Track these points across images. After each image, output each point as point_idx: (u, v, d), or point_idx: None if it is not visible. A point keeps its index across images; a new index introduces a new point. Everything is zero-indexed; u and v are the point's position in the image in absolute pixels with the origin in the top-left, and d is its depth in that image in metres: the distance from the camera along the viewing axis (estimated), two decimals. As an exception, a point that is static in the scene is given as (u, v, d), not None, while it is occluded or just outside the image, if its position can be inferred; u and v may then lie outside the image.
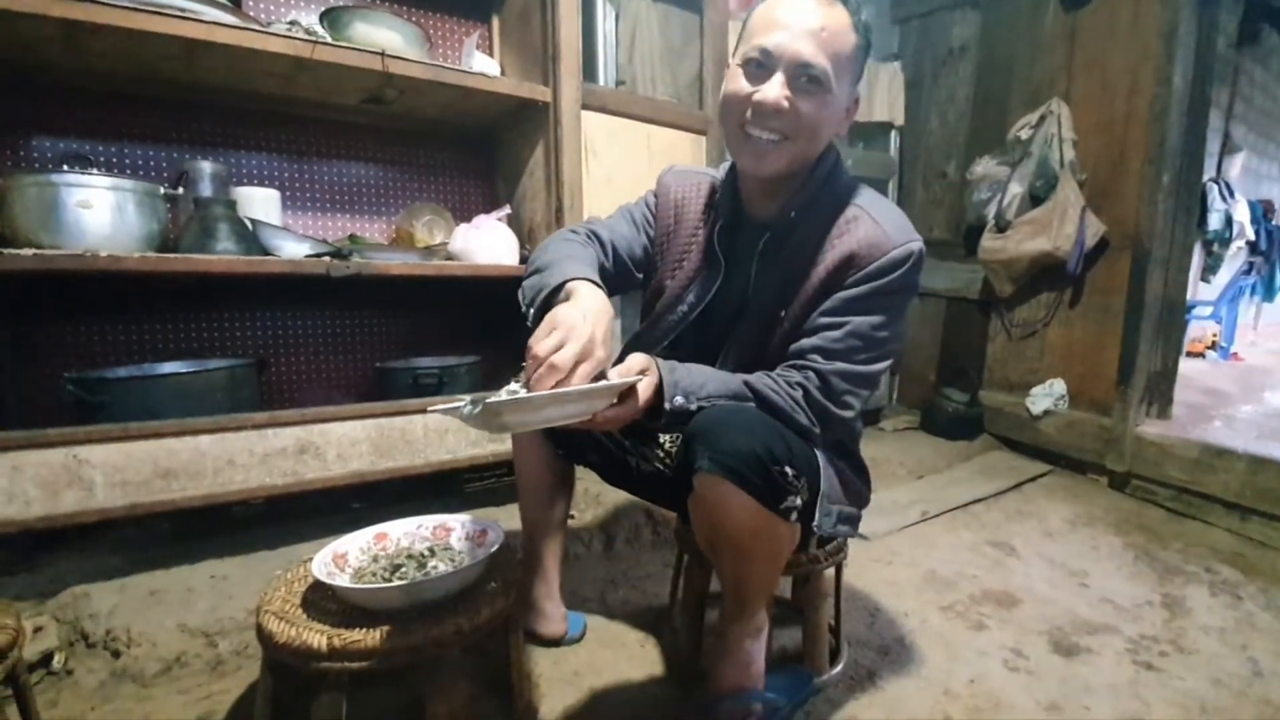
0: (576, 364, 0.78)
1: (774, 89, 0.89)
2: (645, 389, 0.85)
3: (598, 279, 0.93)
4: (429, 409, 0.78)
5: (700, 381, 0.89)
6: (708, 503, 0.87)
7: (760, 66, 0.91)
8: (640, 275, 1.15)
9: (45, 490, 1.25)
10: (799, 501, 0.90)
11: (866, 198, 0.99)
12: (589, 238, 1.09)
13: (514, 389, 0.81)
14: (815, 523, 0.95)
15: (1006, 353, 2.76)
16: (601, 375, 0.83)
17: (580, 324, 0.80)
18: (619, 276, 1.12)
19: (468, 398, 0.75)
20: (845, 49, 0.91)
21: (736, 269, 1.04)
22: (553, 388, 0.76)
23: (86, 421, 1.32)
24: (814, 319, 0.95)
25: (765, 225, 1.01)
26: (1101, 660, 1.30)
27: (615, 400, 0.83)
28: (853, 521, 1.06)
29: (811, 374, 0.92)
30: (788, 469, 0.86)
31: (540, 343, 0.78)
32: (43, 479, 1.24)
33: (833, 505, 1.00)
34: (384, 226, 2.03)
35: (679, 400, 0.86)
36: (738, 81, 0.93)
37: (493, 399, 0.72)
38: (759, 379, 0.93)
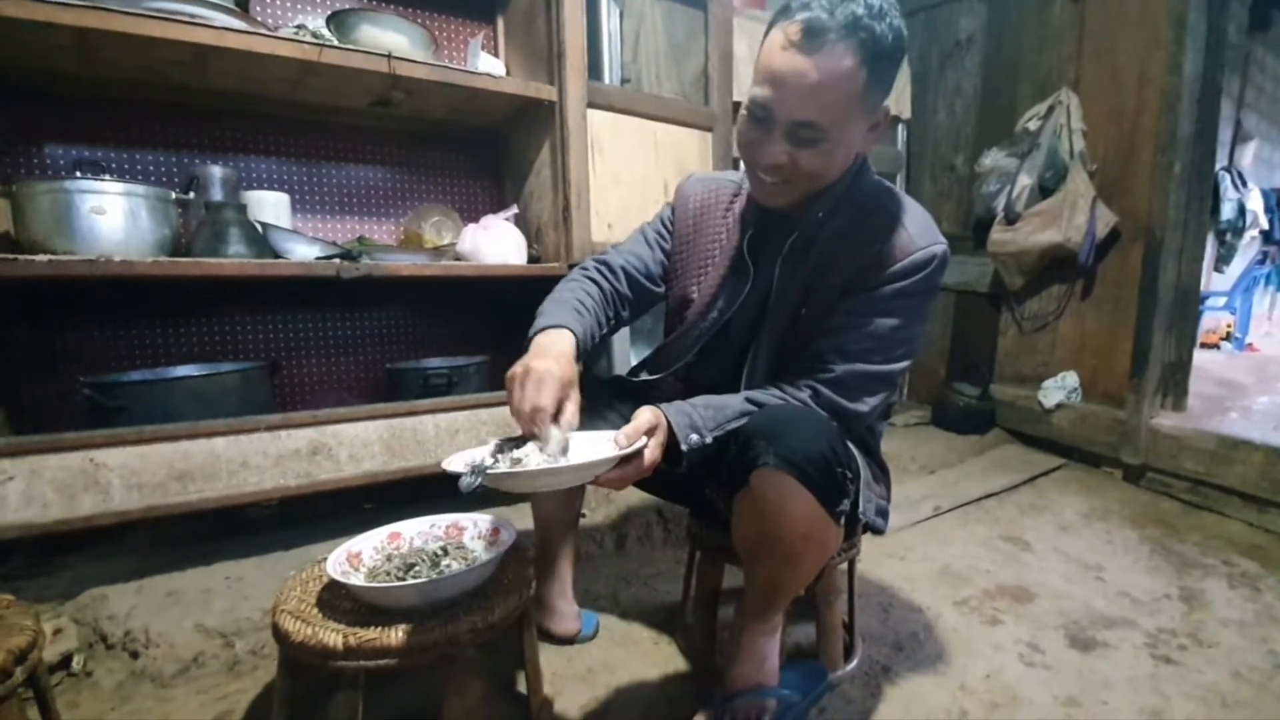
0: (532, 407, 0.81)
1: (772, 150, 0.89)
2: (652, 451, 0.83)
3: (570, 322, 0.95)
4: (442, 466, 0.82)
5: (710, 414, 0.89)
6: (767, 500, 0.85)
7: (761, 119, 0.88)
8: (660, 289, 1.16)
9: (63, 494, 1.26)
10: (848, 505, 0.91)
11: (894, 200, 0.99)
12: (598, 270, 1.11)
13: (514, 450, 0.84)
14: (860, 510, 0.97)
15: (1018, 346, 2.74)
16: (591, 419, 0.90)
17: (530, 367, 0.83)
18: (638, 297, 1.13)
19: (469, 463, 0.80)
20: (849, 95, 0.83)
21: (762, 271, 1.03)
22: (535, 428, 0.81)
23: (102, 425, 1.34)
24: (834, 319, 0.95)
25: (793, 225, 1.00)
26: (1119, 654, 1.29)
27: (616, 464, 0.82)
28: (884, 514, 1.07)
29: (823, 373, 0.93)
30: (847, 471, 0.88)
31: (510, 401, 0.84)
32: (60, 482, 1.26)
33: (871, 494, 1.02)
34: (392, 228, 2.04)
35: (694, 438, 0.86)
36: (744, 125, 0.92)
37: (493, 470, 0.77)
38: (764, 395, 0.93)
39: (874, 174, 1.02)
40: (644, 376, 1.17)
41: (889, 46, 0.83)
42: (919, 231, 0.94)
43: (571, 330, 0.94)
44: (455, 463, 0.82)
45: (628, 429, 0.83)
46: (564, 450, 0.83)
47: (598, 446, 0.85)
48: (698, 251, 1.12)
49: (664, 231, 1.16)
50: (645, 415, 0.86)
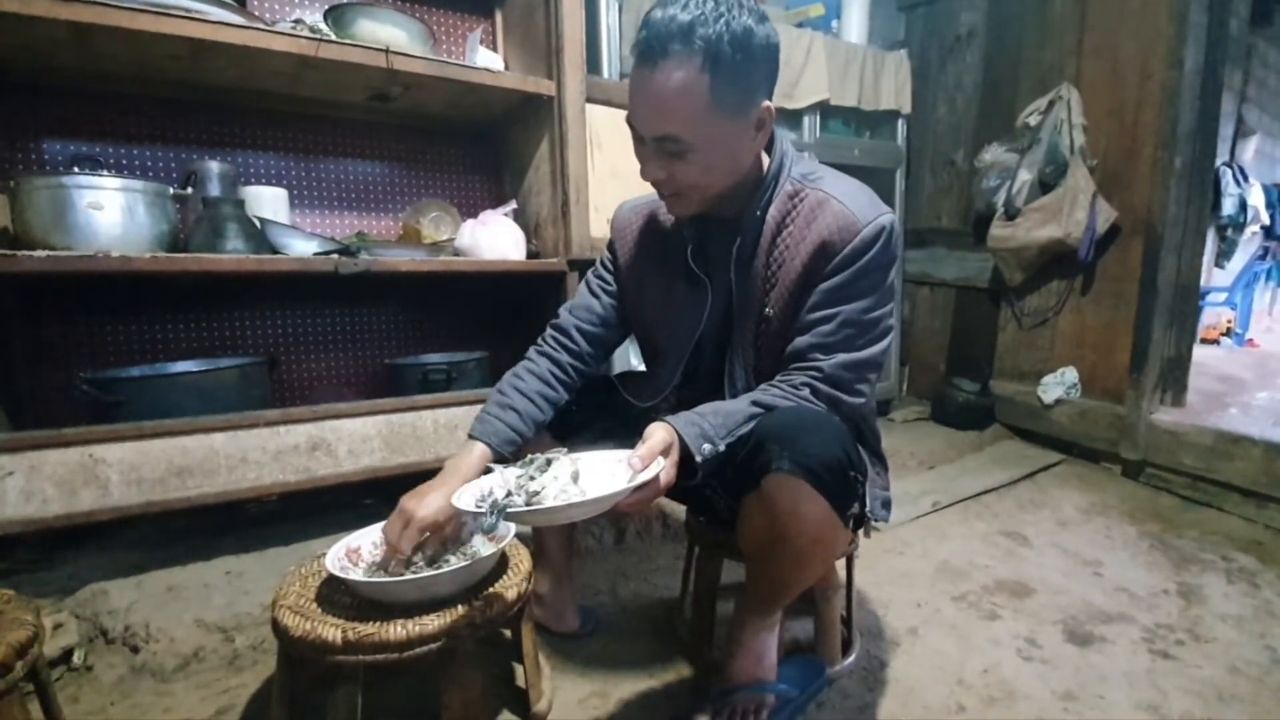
0: (392, 547, 0.91)
1: (649, 167, 0.92)
2: (668, 472, 0.82)
3: (488, 433, 1.00)
4: (454, 503, 0.83)
5: (718, 420, 0.88)
6: (779, 504, 0.84)
7: (637, 139, 0.91)
8: (616, 330, 1.17)
9: (63, 489, 1.26)
10: (858, 507, 0.92)
11: (829, 181, 0.97)
12: (553, 339, 1.14)
13: (527, 479, 0.85)
14: (868, 508, 0.98)
15: (1017, 341, 2.74)
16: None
17: (403, 508, 0.92)
18: (598, 346, 1.15)
19: (480, 496, 0.83)
20: (697, 103, 0.83)
21: (718, 279, 1.03)
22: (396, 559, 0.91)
23: (102, 421, 1.34)
24: (804, 316, 0.94)
25: (734, 227, 0.99)
26: (1117, 649, 1.29)
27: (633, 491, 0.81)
28: (888, 505, 1.08)
29: (815, 371, 0.92)
30: (859, 475, 0.88)
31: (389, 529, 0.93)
32: (60, 478, 1.26)
33: (875, 488, 1.03)
34: (391, 223, 2.03)
35: (707, 448, 0.85)
36: (633, 144, 0.93)
37: (513, 508, 0.78)
38: (764, 394, 0.92)
39: (800, 158, 1.00)
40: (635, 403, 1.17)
41: (730, 46, 0.81)
42: (859, 207, 0.92)
43: (488, 443, 0.99)
44: (465, 499, 0.83)
45: (642, 451, 0.82)
46: (575, 477, 0.84)
47: (608, 467, 0.85)
48: (650, 276, 1.11)
49: (605, 275, 1.17)
50: (659, 434, 0.84)
